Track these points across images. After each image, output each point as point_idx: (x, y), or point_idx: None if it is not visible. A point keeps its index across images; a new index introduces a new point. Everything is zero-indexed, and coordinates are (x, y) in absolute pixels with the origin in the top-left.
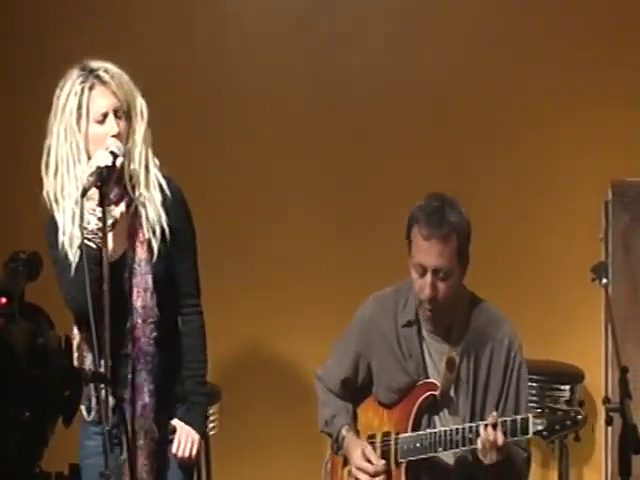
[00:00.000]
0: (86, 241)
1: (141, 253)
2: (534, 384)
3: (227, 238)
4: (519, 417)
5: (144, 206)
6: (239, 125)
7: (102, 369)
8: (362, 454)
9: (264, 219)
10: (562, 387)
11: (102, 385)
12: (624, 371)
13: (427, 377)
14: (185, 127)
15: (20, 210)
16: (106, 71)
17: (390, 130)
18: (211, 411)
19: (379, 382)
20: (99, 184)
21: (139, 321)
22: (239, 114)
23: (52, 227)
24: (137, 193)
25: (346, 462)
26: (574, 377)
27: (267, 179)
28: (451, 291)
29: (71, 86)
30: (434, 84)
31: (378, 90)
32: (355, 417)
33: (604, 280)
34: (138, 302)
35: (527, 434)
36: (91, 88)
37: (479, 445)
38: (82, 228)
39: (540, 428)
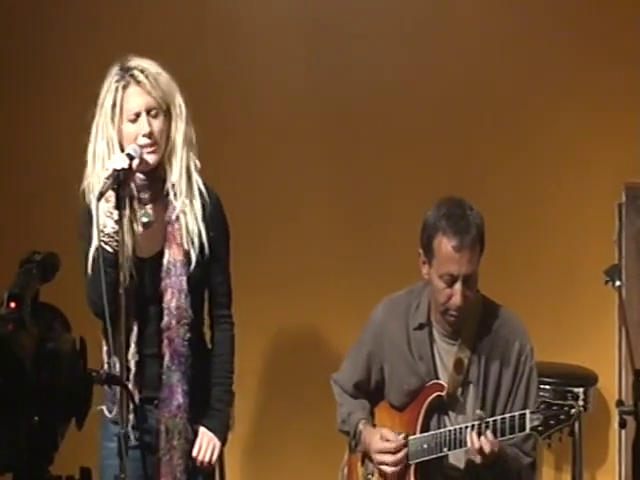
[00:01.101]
0: (102, 244)
1: (178, 255)
2: (547, 386)
3: (243, 246)
4: (517, 413)
5: (185, 215)
6: (252, 126)
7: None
8: (380, 437)
9: (278, 220)
10: (575, 390)
11: (126, 386)
12: (638, 374)
13: (437, 379)
14: (197, 129)
15: (34, 210)
16: (142, 70)
17: (404, 131)
18: None
19: (390, 385)
20: (115, 187)
21: (173, 322)
22: (252, 114)
23: (86, 218)
24: (179, 200)
25: (363, 460)
26: (587, 380)
27: (281, 179)
28: (474, 294)
29: (108, 84)
30: (448, 85)
31: (392, 91)
32: (372, 413)
33: (617, 282)
34: (172, 303)
35: (524, 430)
36: (125, 87)
37: (468, 443)
38: (98, 231)
39: (536, 423)
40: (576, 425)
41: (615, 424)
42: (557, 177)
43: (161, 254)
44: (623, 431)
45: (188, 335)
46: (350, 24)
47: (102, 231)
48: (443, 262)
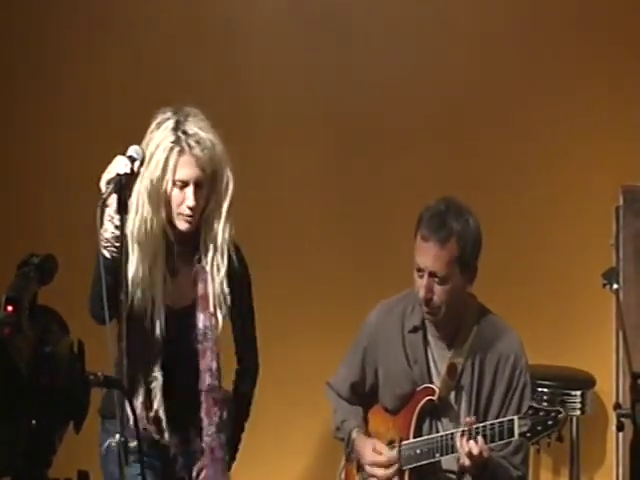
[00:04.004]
0: (101, 249)
1: (212, 318)
2: (545, 389)
3: (240, 241)
4: (505, 419)
5: (212, 279)
6: (252, 126)
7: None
8: (373, 450)
9: (276, 220)
10: (573, 392)
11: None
12: (635, 377)
13: (431, 383)
14: None
15: (42, 212)
16: (198, 142)
17: (404, 131)
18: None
19: (384, 388)
20: (118, 191)
21: (214, 383)
22: (251, 115)
23: None
24: (208, 261)
25: (359, 468)
26: (585, 383)
27: (280, 179)
28: (449, 297)
29: (162, 138)
30: (446, 86)
31: (392, 91)
32: (366, 420)
33: (615, 286)
34: (213, 364)
35: (513, 436)
36: (180, 153)
37: (457, 445)
38: (99, 236)
39: (525, 429)
40: (573, 430)
41: (613, 427)
42: (555, 180)
43: (188, 309)
44: (620, 434)
45: (218, 395)
46: (350, 25)
47: (102, 235)
48: (416, 254)
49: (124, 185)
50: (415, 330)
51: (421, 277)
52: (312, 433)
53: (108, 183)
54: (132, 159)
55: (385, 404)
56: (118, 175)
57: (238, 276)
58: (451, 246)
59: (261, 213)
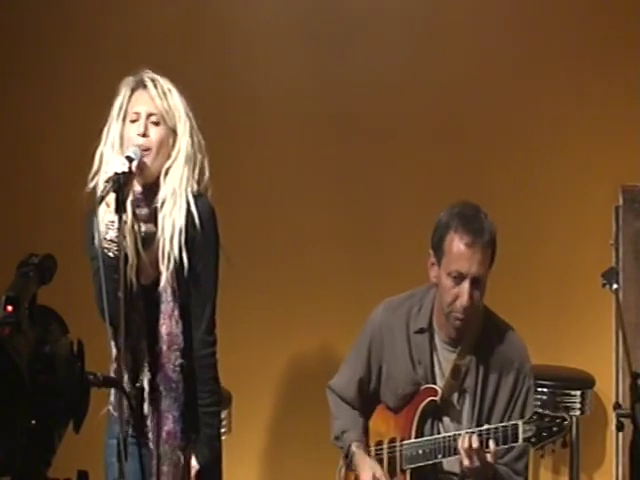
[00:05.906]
0: (105, 250)
1: (167, 280)
2: (545, 389)
3: (243, 250)
4: (510, 423)
5: (163, 235)
6: (252, 128)
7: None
8: (373, 478)
9: (278, 222)
10: (573, 392)
11: (124, 389)
12: (635, 377)
13: (434, 384)
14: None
15: (41, 212)
16: (152, 80)
17: (404, 133)
18: (222, 415)
19: (387, 387)
20: (116, 190)
21: (164, 347)
22: (251, 117)
23: (92, 223)
24: (161, 217)
25: (357, 477)
26: (585, 383)
27: (281, 186)
28: (481, 299)
29: (120, 89)
30: (446, 86)
31: (393, 92)
32: (366, 430)
33: (615, 285)
34: (163, 329)
35: (517, 440)
36: (133, 90)
37: (459, 443)
38: (100, 236)
39: (529, 434)
40: (573, 430)
41: (612, 427)
42: (554, 180)
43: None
44: (620, 434)
45: (179, 361)
46: (350, 24)
47: (104, 238)
48: (454, 259)
49: (122, 184)
50: (422, 332)
51: (459, 284)
52: (312, 432)
53: (106, 182)
54: (130, 159)
55: (387, 402)
56: (116, 174)
57: (201, 244)
58: (490, 248)
59: (261, 213)
